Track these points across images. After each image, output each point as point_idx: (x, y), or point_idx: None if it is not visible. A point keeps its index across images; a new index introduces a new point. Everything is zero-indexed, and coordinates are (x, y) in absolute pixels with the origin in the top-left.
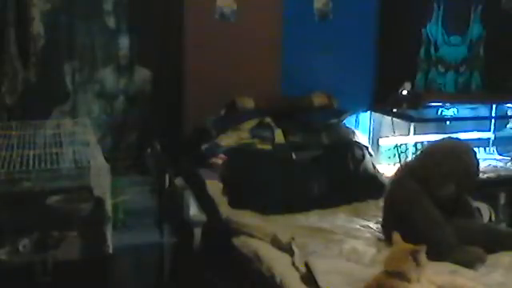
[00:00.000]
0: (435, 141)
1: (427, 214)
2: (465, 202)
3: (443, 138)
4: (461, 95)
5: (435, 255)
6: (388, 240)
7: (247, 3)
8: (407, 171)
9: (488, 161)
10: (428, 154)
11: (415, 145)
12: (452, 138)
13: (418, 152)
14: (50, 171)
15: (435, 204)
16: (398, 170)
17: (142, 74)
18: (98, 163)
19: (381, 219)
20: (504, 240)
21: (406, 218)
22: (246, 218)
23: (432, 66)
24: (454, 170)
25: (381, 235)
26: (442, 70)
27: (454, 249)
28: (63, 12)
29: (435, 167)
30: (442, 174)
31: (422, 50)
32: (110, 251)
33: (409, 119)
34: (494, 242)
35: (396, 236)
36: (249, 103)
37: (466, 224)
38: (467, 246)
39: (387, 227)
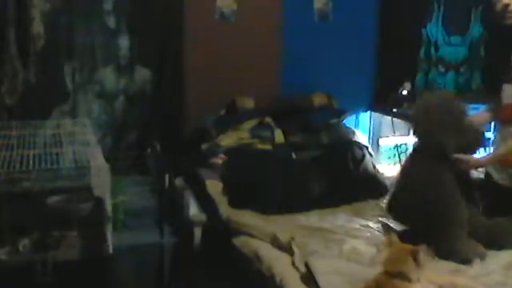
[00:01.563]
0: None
1: (447, 192)
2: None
3: (423, 96)
4: (461, 95)
5: (447, 237)
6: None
7: (247, 3)
8: (417, 152)
9: None
10: (419, 120)
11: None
12: (429, 94)
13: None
14: (50, 171)
15: (454, 176)
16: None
17: (142, 73)
18: (98, 163)
19: (381, 218)
20: (505, 237)
21: (426, 196)
22: (246, 217)
23: (432, 66)
24: (446, 120)
25: (381, 235)
26: (442, 70)
27: (462, 238)
28: (63, 12)
29: (429, 126)
30: (438, 130)
31: (422, 50)
32: (110, 251)
33: (409, 119)
34: (494, 239)
35: (393, 237)
36: (249, 103)
37: (471, 217)
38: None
39: (399, 209)
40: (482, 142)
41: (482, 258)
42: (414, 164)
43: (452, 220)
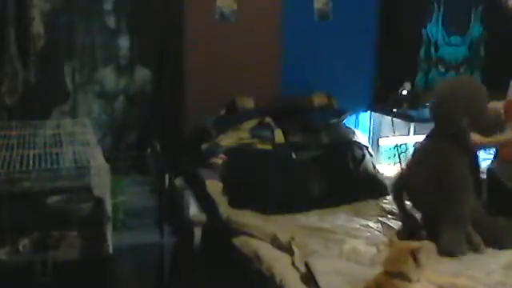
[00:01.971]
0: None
1: (462, 178)
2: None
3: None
4: None
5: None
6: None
7: (247, 3)
8: (433, 135)
9: (488, 161)
10: (438, 100)
11: (415, 145)
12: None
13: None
14: (50, 171)
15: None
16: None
17: (142, 73)
18: (98, 163)
19: (381, 218)
20: (505, 237)
21: (441, 179)
22: (246, 217)
23: (432, 66)
24: (462, 101)
25: (381, 235)
26: (442, 70)
27: (464, 227)
28: (63, 12)
29: (447, 106)
30: (454, 108)
31: (422, 50)
32: (110, 251)
33: (409, 119)
34: (494, 237)
35: (392, 237)
36: (249, 103)
37: (473, 207)
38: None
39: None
40: (501, 125)
41: (477, 252)
42: (429, 145)
43: (454, 207)
